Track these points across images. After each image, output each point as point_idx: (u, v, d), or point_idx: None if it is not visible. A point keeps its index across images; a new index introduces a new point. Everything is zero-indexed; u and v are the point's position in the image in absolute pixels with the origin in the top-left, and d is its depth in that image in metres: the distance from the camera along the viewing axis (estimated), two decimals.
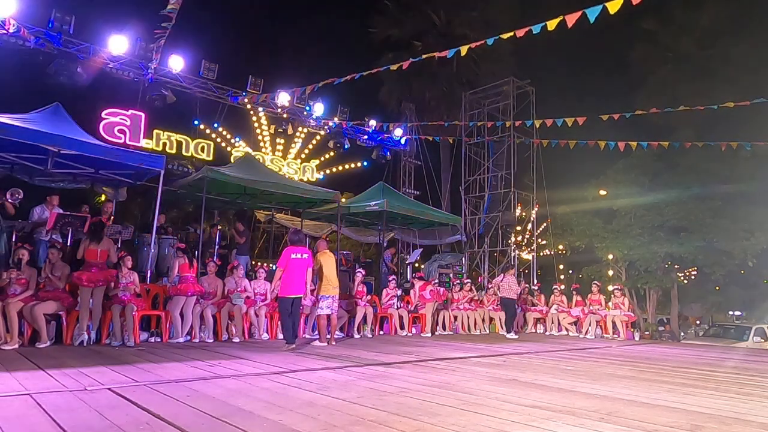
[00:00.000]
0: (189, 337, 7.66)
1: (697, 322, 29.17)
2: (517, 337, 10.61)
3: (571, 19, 7.27)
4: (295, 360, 5.93)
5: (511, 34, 7.88)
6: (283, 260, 7.37)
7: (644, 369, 6.14)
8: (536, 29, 7.54)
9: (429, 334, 10.33)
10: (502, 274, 11.22)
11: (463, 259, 16.14)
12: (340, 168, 16.53)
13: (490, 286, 13.01)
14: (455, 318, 11.52)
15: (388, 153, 16.72)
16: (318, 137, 15.65)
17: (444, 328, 11.16)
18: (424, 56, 8.96)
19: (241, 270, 8.55)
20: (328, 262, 8.02)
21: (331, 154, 15.88)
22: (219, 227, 11.14)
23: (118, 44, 11.09)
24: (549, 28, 7.48)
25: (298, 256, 7.38)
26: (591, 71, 27.74)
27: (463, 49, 8.47)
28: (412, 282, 11.73)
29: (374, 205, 11.33)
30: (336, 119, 14.99)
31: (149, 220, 9.00)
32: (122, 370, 4.76)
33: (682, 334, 20.13)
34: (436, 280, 12.27)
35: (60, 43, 10.61)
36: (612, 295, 11.86)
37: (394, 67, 9.45)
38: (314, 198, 11.28)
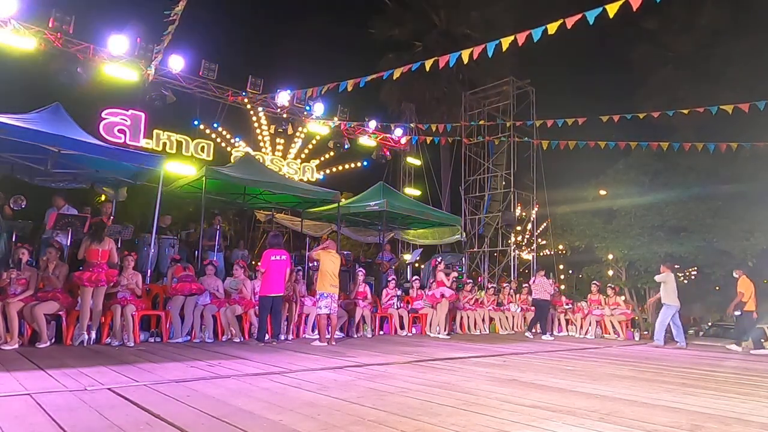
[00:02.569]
0: (189, 337, 7.67)
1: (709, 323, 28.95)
2: (552, 338, 10.62)
3: (571, 22, 7.28)
4: (295, 360, 5.93)
5: (512, 38, 7.87)
6: (265, 262, 7.69)
7: (644, 369, 6.14)
8: (537, 35, 7.54)
9: (448, 335, 10.17)
10: (534, 276, 11.17)
11: (463, 259, 16.14)
12: (340, 168, 16.51)
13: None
14: (455, 318, 11.51)
15: (388, 153, 16.72)
16: (318, 137, 15.64)
17: (444, 328, 11.14)
18: (426, 62, 8.95)
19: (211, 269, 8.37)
20: (329, 259, 8.05)
21: (331, 154, 15.87)
22: (219, 226, 11.14)
23: (118, 44, 11.09)
24: (549, 32, 7.47)
25: (278, 257, 7.73)
26: (591, 71, 27.74)
27: (465, 56, 8.47)
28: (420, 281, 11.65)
29: (374, 205, 11.33)
30: (336, 119, 14.99)
31: (149, 220, 9.00)
32: (122, 370, 4.76)
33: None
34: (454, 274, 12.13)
35: (60, 43, 10.61)
36: (606, 296, 11.88)
37: (397, 74, 9.43)
38: (314, 198, 11.28)
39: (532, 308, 12.81)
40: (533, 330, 11.08)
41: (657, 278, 10.16)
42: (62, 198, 8.53)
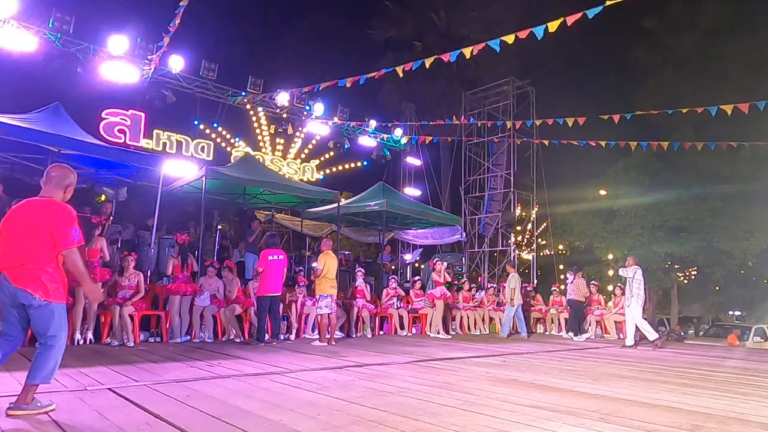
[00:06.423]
0: (189, 337, 7.67)
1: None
2: (584, 339, 10.56)
3: (572, 19, 7.29)
4: (295, 360, 5.94)
5: (513, 36, 7.88)
6: (262, 261, 7.71)
7: (644, 369, 6.14)
8: (539, 33, 7.54)
9: (448, 336, 10.19)
10: (573, 276, 11.06)
11: (463, 259, 16.14)
12: (340, 168, 16.51)
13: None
14: (455, 318, 11.51)
15: (388, 153, 16.72)
16: (318, 137, 15.64)
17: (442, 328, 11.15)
18: (426, 61, 8.96)
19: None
20: (330, 263, 8.07)
21: (331, 154, 15.87)
22: (220, 227, 11.12)
23: (118, 44, 11.09)
24: (550, 30, 7.48)
25: (275, 257, 7.74)
26: (591, 71, 27.64)
27: (467, 52, 8.47)
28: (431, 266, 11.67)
29: (374, 205, 11.32)
30: (336, 119, 14.99)
31: (149, 220, 9.00)
32: (122, 370, 4.76)
33: (682, 334, 20.17)
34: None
35: (60, 43, 10.61)
36: (612, 295, 11.85)
37: (399, 72, 9.43)
38: (314, 198, 11.27)
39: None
40: (579, 333, 10.87)
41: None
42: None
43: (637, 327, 9.13)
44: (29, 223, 3.14)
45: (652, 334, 9.09)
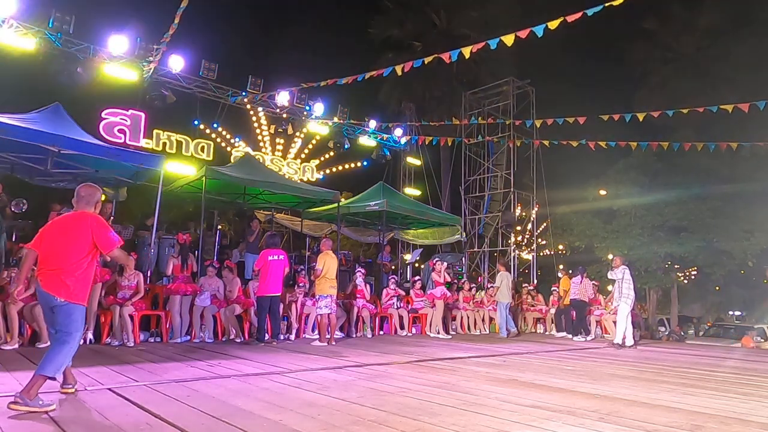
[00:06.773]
0: (189, 337, 7.68)
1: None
2: (587, 339, 10.51)
3: (572, 18, 7.31)
4: (295, 360, 5.94)
5: (513, 36, 7.88)
6: (261, 261, 7.73)
7: (644, 369, 6.14)
8: (539, 31, 7.55)
9: (449, 336, 10.21)
10: (580, 276, 10.92)
11: (463, 259, 16.13)
12: (340, 168, 16.50)
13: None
14: (455, 318, 11.51)
15: (388, 153, 16.71)
16: (318, 137, 15.63)
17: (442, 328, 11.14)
18: (426, 59, 8.95)
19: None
20: (330, 263, 8.07)
21: (331, 154, 15.85)
22: (220, 227, 11.11)
23: (118, 44, 11.08)
24: (550, 28, 7.49)
25: (275, 257, 7.75)
26: (591, 71, 27.70)
27: (466, 52, 8.46)
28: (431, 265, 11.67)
29: (374, 205, 11.32)
30: (336, 119, 14.98)
31: (149, 220, 9.00)
32: (122, 370, 4.76)
33: (683, 334, 20.17)
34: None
35: (60, 43, 10.60)
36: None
37: (398, 71, 9.42)
38: (314, 198, 11.27)
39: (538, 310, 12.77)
40: (579, 334, 10.75)
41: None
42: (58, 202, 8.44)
43: (634, 326, 9.18)
44: (65, 234, 3.59)
45: (618, 337, 9.24)
